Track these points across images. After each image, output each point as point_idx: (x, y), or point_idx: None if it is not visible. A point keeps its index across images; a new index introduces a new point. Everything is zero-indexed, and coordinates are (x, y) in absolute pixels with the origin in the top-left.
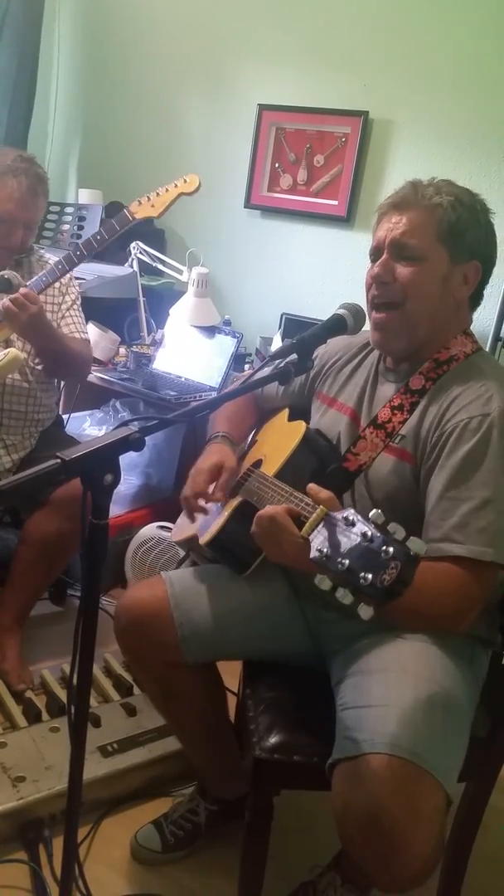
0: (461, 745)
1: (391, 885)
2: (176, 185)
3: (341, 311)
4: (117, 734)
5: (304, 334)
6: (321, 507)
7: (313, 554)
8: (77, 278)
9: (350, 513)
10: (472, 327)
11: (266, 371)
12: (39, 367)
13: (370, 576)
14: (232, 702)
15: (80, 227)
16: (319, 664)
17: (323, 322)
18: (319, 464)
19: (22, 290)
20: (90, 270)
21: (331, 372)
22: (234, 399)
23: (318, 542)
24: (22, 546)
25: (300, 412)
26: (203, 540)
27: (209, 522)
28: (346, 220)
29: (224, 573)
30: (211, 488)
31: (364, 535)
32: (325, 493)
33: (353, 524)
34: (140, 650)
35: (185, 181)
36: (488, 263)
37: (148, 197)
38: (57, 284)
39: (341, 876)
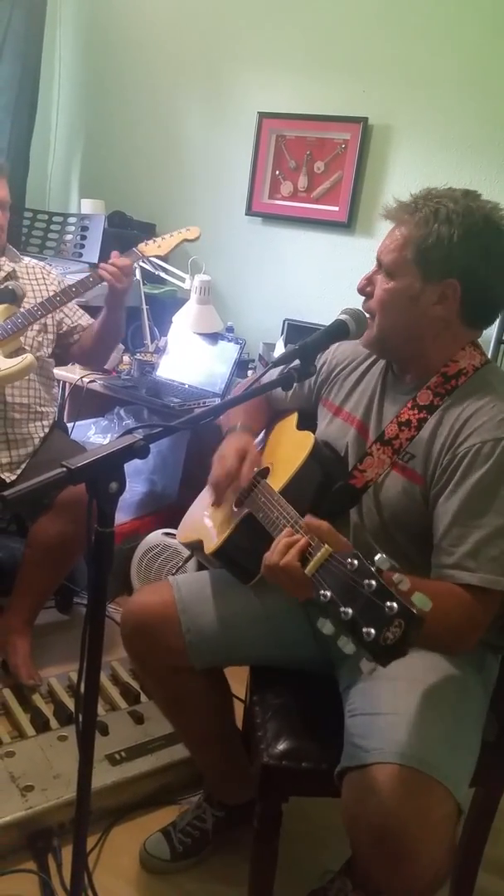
0: (471, 752)
1: (401, 894)
2: (180, 233)
3: (343, 317)
4: (125, 742)
5: (306, 340)
6: (326, 546)
7: (317, 596)
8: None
9: (354, 555)
10: None
11: (269, 377)
12: (40, 354)
13: (373, 631)
14: (239, 709)
15: (83, 238)
16: (326, 670)
17: (325, 328)
18: (325, 478)
19: (120, 260)
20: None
21: (337, 379)
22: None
23: (322, 583)
24: (28, 550)
25: (309, 416)
26: (208, 550)
27: (215, 528)
28: (346, 225)
29: (231, 578)
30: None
31: (368, 584)
32: (324, 525)
33: (357, 570)
34: (146, 655)
35: (188, 230)
36: (472, 281)
37: (154, 239)
38: (53, 287)
39: (352, 882)
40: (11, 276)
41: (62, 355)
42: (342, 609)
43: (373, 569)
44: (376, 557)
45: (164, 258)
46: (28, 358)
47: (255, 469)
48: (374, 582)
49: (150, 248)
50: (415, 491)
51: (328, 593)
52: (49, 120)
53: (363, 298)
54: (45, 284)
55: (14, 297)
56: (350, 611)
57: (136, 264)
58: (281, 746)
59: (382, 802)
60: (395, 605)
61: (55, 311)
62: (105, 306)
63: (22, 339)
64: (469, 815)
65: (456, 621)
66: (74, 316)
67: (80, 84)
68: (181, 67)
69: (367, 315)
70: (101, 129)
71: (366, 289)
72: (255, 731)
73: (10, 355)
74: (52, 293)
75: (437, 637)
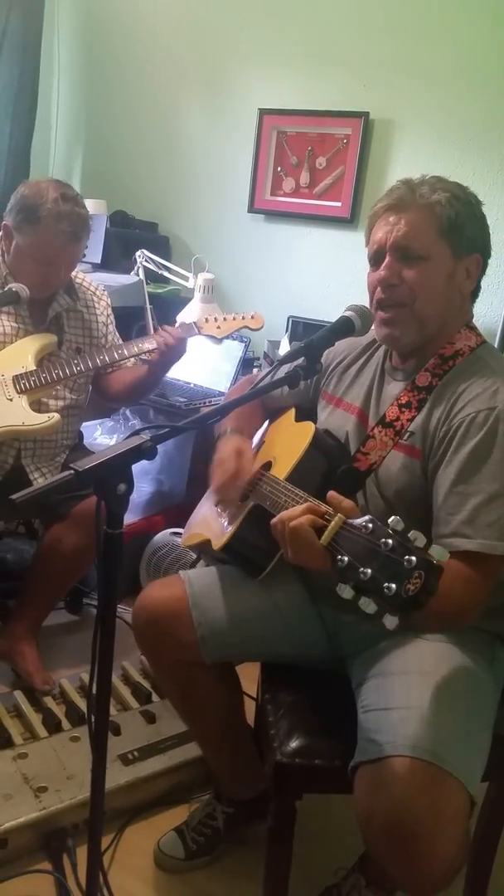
0: (484, 745)
1: (417, 888)
2: (244, 318)
3: (348, 313)
4: (137, 742)
5: (311, 338)
6: (339, 514)
7: (334, 564)
8: None
9: (369, 520)
10: (479, 323)
11: (276, 375)
12: (80, 398)
13: (394, 585)
14: (250, 706)
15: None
16: (338, 666)
17: (330, 325)
18: (329, 465)
19: (177, 331)
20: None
21: (336, 372)
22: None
23: (339, 549)
24: (39, 560)
25: (306, 412)
26: (217, 545)
27: (221, 527)
28: (349, 221)
29: (242, 574)
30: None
31: (385, 543)
32: (347, 503)
33: (372, 532)
34: (158, 648)
35: (254, 318)
36: (487, 255)
37: (216, 318)
38: (102, 318)
39: (366, 878)
40: (26, 292)
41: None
42: (361, 570)
43: (388, 529)
44: (390, 520)
45: (218, 338)
46: (55, 418)
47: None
48: (390, 540)
49: (209, 326)
50: (415, 466)
51: (346, 558)
52: (49, 120)
53: (365, 293)
54: (96, 314)
55: (17, 300)
56: (369, 570)
57: (138, 260)
58: (294, 744)
59: (396, 795)
60: (413, 558)
61: (96, 368)
62: (149, 367)
63: (65, 383)
64: (482, 809)
65: (458, 597)
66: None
67: (80, 84)
68: (181, 65)
69: (393, 308)
70: (101, 129)
71: (393, 279)
72: (268, 729)
73: (36, 404)
74: (100, 326)
75: (440, 615)
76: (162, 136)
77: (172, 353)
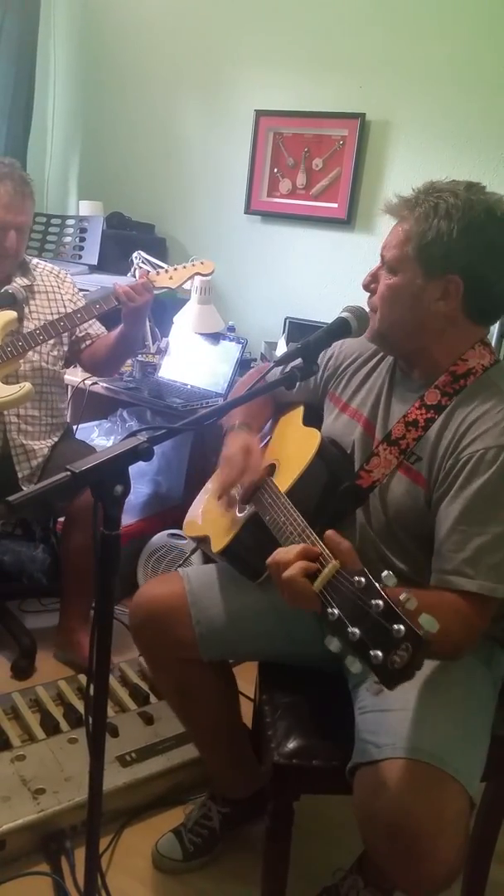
0: (482, 746)
1: (417, 890)
2: (193, 265)
3: (345, 315)
4: (135, 743)
5: (308, 339)
6: (334, 561)
7: (324, 614)
8: (80, 290)
9: (362, 572)
10: None
11: (272, 375)
12: (55, 368)
13: (380, 654)
14: (248, 707)
15: (82, 240)
16: (335, 667)
17: (327, 326)
18: (331, 478)
19: (142, 279)
20: (93, 281)
21: (345, 374)
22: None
23: (330, 601)
24: (64, 562)
25: (315, 410)
26: (215, 549)
27: (221, 526)
28: (346, 222)
29: None
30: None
31: (376, 605)
32: (344, 545)
33: (365, 589)
34: (156, 646)
35: (203, 264)
36: (474, 276)
37: (167, 269)
38: (68, 296)
39: (364, 879)
40: (23, 293)
41: (70, 359)
42: (350, 629)
43: (380, 587)
44: (383, 574)
45: (175, 289)
46: (26, 387)
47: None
48: (381, 602)
49: (161, 278)
50: (418, 493)
51: (336, 611)
52: (45, 122)
53: (366, 295)
54: (60, 294)
55: (14, 301)
56: (357, 631)
57: (135, 261)
58: (291, 745)
59: (396, 798)
60: (402, 627)
61: (60, 335)
62: (122, 322)
63: (38, 353)
64: (480, 809)
65: (455, 634)
66: (85, 324)
67: (76, 85)
68: (177, 66)
69: (371, 311)
70: (97, 131)
71: (370, 285)
72: (266, 730)
73: (7, 379)
74: (67, 304)
75: (438, 650)
76: (158, 137)
77: (137, 302)
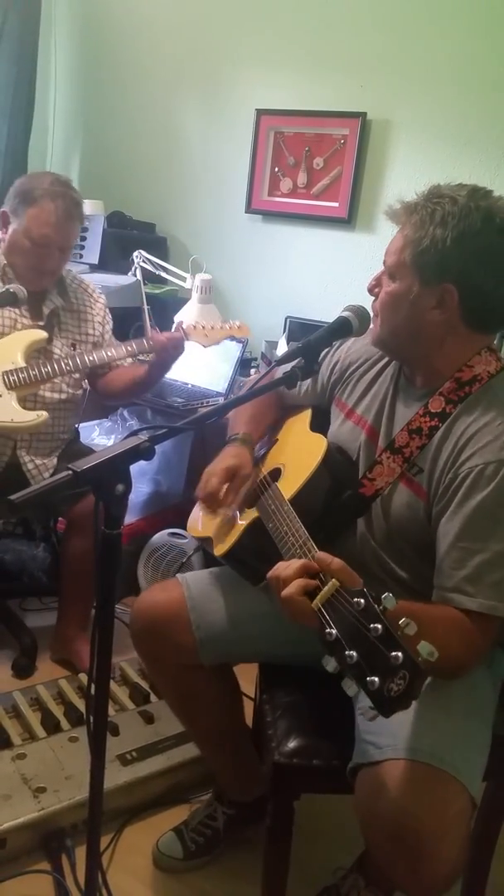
0: (483, 746)
1: (418, 890)
2: (231, 328)
3: (346, 314)
4: (136, 742)
5: (309, 338)
6: (333, 580)
7: (322, 634)
8: None
9: (361, 593)
10: None
11: (273, 375)
12: (75, 392)
13: (377, 680)
14: (248, 706)
15: (83, 239)
16: None
17: (328, 325)
18: (335, 485)
19: (178, 332)
20: (94, 280)
21: (351, 378)
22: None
23: (328, 621)
24: (64, 568)
25: (322, 414)
26: (218, 552)
27: (224, 529)
28: (347, 221)
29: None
30: (223, 491)
31: (375, 629)
32: (336, 563)
33: (364, 610)
34: (156, 653)
35: (240, 328)
36: (469, 285)
37: (204, 326)
38: (99, 318)
39: (364, 878)
40: (24, 292)
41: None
42: (347, 652)
43: (379, 609)
44: (383, 596)
45: (205, 347)
46: (43, 416)
47: (260, 475)
48: (380, 626)
49: (197, 333)
50: (419, 506)
51: (334, 632)
52: (46, 121)
53: (367, 293)
54: (91, 314)
55: (15, 300)
56: (355, 654)
57: (135, 260)
58: (292, 744)
59: (397, 799)
60: (400, 655)
61: (87, 369)
62: (148, 368)
63: (60, 378)
64: (480, 809)
65: (455, 651)
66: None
67: (77, 84)
68: (178, 65)
69: (373, 315)
70: (98, 130)
71: (374, 289)
72: (266, 730)
73: (25, 400)
74: (96, 326)
75: (438, 669)
76: (159, 136)
77: (167, 355)
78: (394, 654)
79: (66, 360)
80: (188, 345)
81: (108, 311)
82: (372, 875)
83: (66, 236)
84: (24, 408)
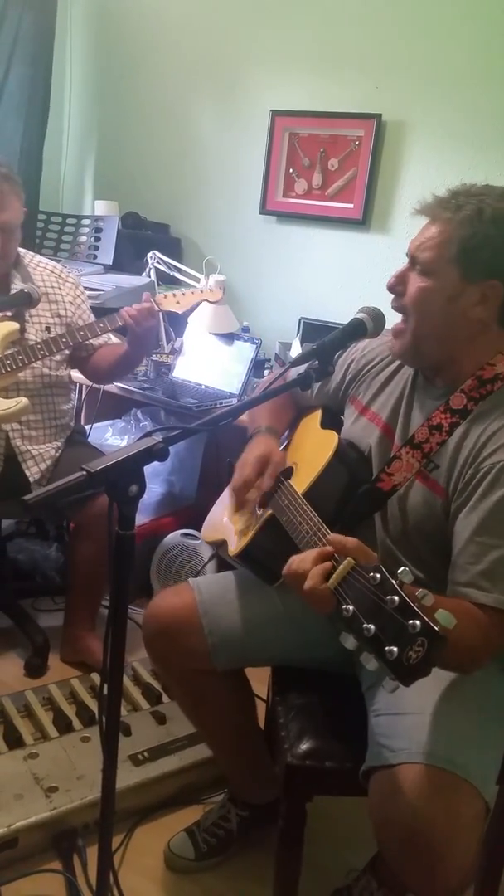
0: (497, 750)
1: (431, 894)
2: (202, 293)
3: (361, 315)
4: (148, 743)
5: (324, 339)
6: (349, 558)
7: (339, 611)
8: (94, 289)
9: (377, 569)
10: None
11: (288, 376)
12: (57, 374)
13: (395, 650)
14: (261, 708)
15: (97, 239)
16: (348, 669)
17: (343, 327)
18: (350, 479)
19: (147, 302)
20: (108, 281)
21: (367, 377)
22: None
23: (345, 597)
24: (72, 570)
25: (334, 413)
26: (233, 552)
27: (238, 530)
28: (361, 222)
29: (251, 580)
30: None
31: (391, 601)
32: (350, 542)
33: (380, 584)
34: (168, 657)
35: (211, 292)
36: None
37: (175, 293)
38: (69, 298)
39: (377, 880)
40: (38, 293)
41: (70, 360)
42: (364, 625)
43: (395, 583)
44: (399, 570)
45: (180, 314)
46: (22, 402)
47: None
48: (396, 598)
49: (168, 301)
50: (436, 503)
51: (350, 608)
52: (61, 122)
53: (381, 295)
54: (61, 295)
55: (30, 300)
56: (372, 627)
57: (149, 261)
58: (304, 746)
59: (411, 803)
60: (417, 623)
61: (61, 351)
62: (127, 345)
63: (41, 363)
64: (494, 813)
65: (471, 641)
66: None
67: (92, 85)
68: (193, 67)
69: (401, 315)
70: (113, 130)
71: (396, 287)
72: (278, 731)
73: (7, 390)
74: (68, 306)
75: (452, 657)
76: (174, 137)
77: (140, 328)
78: (411, 622)
79: (39, 345)
80: (212, 340)
81: (81, 289)
82: (384, 877)
83: (3, 215)
84: (7, 397)
